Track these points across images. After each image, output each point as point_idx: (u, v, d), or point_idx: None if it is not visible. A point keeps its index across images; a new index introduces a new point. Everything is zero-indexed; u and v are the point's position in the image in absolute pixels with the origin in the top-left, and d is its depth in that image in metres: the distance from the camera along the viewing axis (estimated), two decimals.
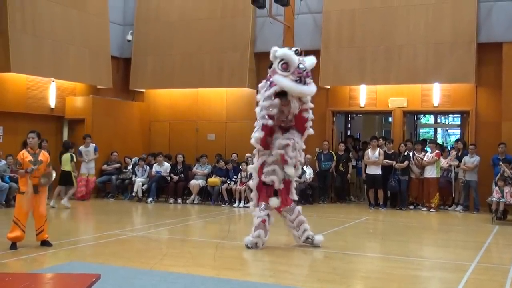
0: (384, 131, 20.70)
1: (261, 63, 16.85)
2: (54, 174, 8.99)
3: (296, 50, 8.52)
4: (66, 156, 13.90)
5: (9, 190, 13.48)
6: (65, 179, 13.81)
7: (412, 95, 15.65)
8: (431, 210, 14.05)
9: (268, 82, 8.49)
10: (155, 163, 15.99)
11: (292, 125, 8.72)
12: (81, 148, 15.27)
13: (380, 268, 7.89)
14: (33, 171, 8.43)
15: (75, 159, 14.12)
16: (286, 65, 8.33)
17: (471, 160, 13.92)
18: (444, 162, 14.35)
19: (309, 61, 8.59)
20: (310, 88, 8.56)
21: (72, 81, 16.50)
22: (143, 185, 15.74)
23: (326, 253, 8.49)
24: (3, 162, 14.00)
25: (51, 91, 15.95)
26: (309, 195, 15.50)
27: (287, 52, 8.41)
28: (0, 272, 6.62)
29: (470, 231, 11.63)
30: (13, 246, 8.37)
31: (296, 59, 8.36)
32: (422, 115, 20.30)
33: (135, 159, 16.44)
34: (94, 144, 15.44)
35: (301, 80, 8.32)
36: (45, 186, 8.67)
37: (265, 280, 6.89)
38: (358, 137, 19.34)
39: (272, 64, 8.56)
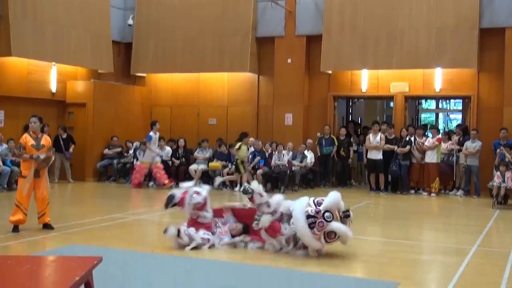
0: (386, 116, 20.67)
1: (263, 48, 16.80)
2: (53, 158, 9.01)
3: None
4: (244, 148, 14.40)
5: (11, 174, 13.51)
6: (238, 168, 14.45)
7: (414, 80, 15.59)
8: (432, 194, 14.07)
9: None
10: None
11: None
12: (151, 133, 15.05)
13: (381, 252, 7.93)
14: (39, 159, 8.43)
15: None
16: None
17: (473, 145, 13.90)
18: (444, 147, 14.34)
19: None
20: None
21: (73, 66, 16.45)
22: None
23: None
24: (5, 146, 14.01)
25: (52, 76, 15.92)
26: (310, 179, 15.54)
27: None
28: (2, 255, 6.67)
29: (470, 216, 11.67)
30: (15, 229, 8.41)
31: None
32: (424, 100, 20.26)
33: (136, 143, 16.44)
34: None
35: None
36: (44, 168, 8.67)
37: (265, 263, 6.93)
38: (359, 122, 19.32)
39: None
